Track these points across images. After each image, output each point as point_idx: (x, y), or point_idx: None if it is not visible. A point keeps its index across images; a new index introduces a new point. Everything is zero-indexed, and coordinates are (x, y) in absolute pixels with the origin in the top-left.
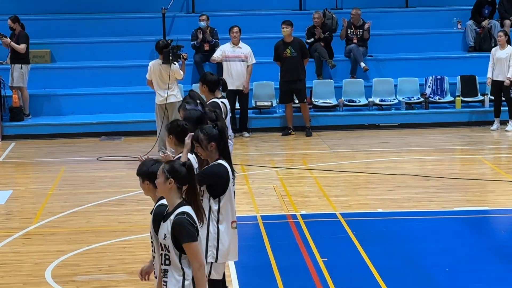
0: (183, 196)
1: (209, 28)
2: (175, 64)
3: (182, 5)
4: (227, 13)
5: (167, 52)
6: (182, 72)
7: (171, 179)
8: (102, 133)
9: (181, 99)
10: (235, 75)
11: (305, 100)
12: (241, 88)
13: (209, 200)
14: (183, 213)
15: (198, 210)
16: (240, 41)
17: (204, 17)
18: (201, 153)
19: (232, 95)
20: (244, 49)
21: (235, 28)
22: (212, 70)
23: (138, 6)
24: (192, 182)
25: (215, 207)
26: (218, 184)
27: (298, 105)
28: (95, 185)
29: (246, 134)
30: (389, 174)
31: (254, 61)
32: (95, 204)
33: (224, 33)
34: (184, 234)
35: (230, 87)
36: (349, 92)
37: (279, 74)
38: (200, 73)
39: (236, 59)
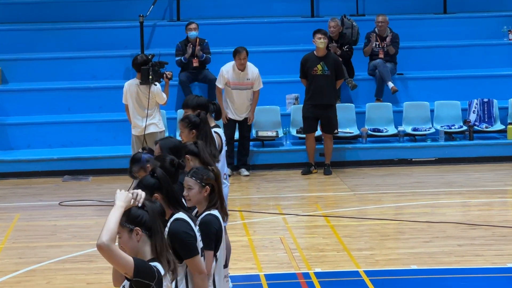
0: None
1: (198, 40)
2: (156, 85)
3: (164, 11)
4: (221, 21)
5: (147, 70)
6: (165, 95)
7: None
8: (65, 171)
9: (163, 129)
10: (238, 104)
11: (336, 131)
12: (241, 119)
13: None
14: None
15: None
16: (248, 63)
17: (193, 25)
18: (190, 197)
19: (232, 124)
20: (251, 74)
21: (243, 53)
22: (202, 92)
23: (109, 13)
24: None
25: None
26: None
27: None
28: (57, 237)
29: (245, 172)
30: (425, 222)
31: (261, 86)
32: (58, 260)
33: (217, 45)
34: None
35: (230, 116)
36: (374, 119)
37: (305, 95)
38: (187, 95)
39: (241, 87)
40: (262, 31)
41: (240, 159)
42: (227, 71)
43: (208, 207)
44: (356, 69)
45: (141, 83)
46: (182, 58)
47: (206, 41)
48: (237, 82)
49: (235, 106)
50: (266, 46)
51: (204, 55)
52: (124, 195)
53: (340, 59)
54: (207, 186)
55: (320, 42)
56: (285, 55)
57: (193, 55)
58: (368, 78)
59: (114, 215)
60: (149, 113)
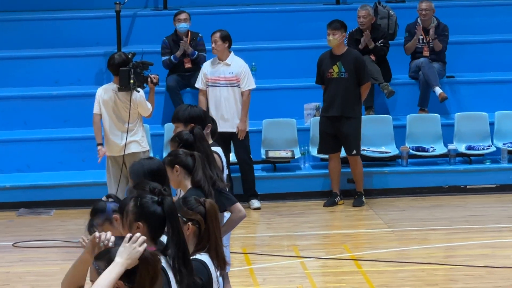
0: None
1: (190, 34)
2: (139, 91)
3: None
4: (220, 9)
5: (127, 73)
6: (150, 105)
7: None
8: (20, 203)
9: (148, 148)
10: (222, 109)
11: (356, 152)
12: (233, 130)
13: None
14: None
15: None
16: (231, 54)
17: (183, 15)
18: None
19: (222, 141)
20: (236, 67)
21: (215, 34)
22: (196, 100)
23: (77, 0)
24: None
25: None
26: None
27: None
28: (11, 287)
29: (256, 204)
30: (484, 267)
31: (252, 86)
32: None
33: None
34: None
35: (220, 128)
36: (418, 135)
37: (322, 105)
38: (177, 105)
39: (220, 83)
40: (272, 23)
41: (246, 187)
42: (207, 64)
43: (195, 250)
44: (394, 70)
45: (119, 89)
46: (171, 58)
47: (200, 35)
48: (215, 77)
49: (218, 111)
50: (277, 42)
51: (196, 52)
52: (129, 250)
53: (373, 57)
54: (190, 224)
55: (328, 39)
56: (302, 53)
57: (184, 53)
58: (410, 82)
59: (111, 275)
60: (130, 127)
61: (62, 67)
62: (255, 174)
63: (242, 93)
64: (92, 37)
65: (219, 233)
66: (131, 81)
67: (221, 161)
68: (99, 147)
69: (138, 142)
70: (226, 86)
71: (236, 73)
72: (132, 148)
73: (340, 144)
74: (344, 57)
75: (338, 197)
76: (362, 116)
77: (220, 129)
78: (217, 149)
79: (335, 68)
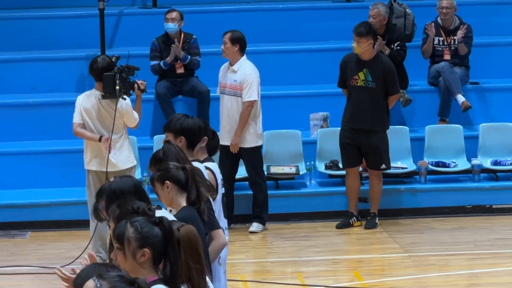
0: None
1: (183, 35)
2: (125, 99)
3: None
4: (216, 7)
5: (112, 78)
6: (136, 115)
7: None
8: None
9: (135, 162)
10: (224, 119)
11: (386, 166)
12: (244, 146)
13: None
14: None
15: None
16: (242, 59)
17: (174, 14)
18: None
19: (225, 155)
20: (241, 75)
21: (225, 35)
22: (189, 110)
23: None
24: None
25: None
26: None
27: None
28: None
29: (257, 226)
30: None
31: (252, 98)
32: None
33: (210, 43)
34: None
35: (222, 141)
36: (438, 148)
37: (344, 113)
38: (169, 116)
39: (226, 91)
40: (274, 22)
41: (253, 208)
42: (222, 67)
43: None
44: (411, 76)
45: (103, 97)
46: (160, 64)
47: (194, 36)
48: (223, 84)
49: (222, 122)
50: (280, 44)
51: (189, 57)
52: None
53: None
54: (145, 249)
55: (353, 46)
56: (308, 56)
57: (176, 57)
58: (429, 89)
59: None
60: (115, 139)
61: (39, 72)
62: (259, 192)
63: (243, 103)
64: (72, 38)
65: (198, 264)
66: (117, 87)
67: (215, 178)
68: (102, 139)
69: (126, 157)
70: (229, 94)
71: (240, 81)
72: (119, 164)
73: (361, 158)
74: (373, 64)
75: (354, 218)
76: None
77: (223, 142)
78: (212, 165)
79: (361, 75)
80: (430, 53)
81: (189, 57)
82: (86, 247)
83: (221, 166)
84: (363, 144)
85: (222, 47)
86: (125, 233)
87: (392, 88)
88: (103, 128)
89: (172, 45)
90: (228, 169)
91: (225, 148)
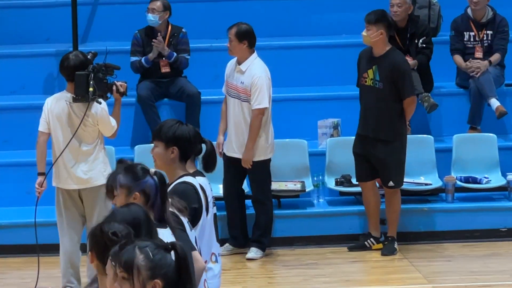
0: None
1: (170, 28)
2: (100, 103)
3: None
4: None
5: (85, 78)
6: (114, 122)
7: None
8: None
9: None
10: (232, 126)
11: (394, 184)
12: (240, 156)
13: None
14: None
15: None
16: (251, 57)
17: (157, 4)
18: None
19: (232, 169)
20: (249, 77)
21: (230, 30)
22: (176, 115)
23: None
24: None
25: None
26: None
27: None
28: None
29: (256, 252)
30: None
31: (263, 106)
32: None
33: (202, 37)
34: None
35: (226, 151)
36: (468, 161)
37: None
38: (152, 122)
39: (231, 93)
40: (277, 14)
41: (253, 231)
42: (229, 63)
43: None
44: (437, 77)
45: (74, 99)
46: (141, 60)
47: (183, 30)
48: (229, 83)
49: (230, 129)
50: (284, 38)
51: (174, 54)
52: None
53: (409, 59)
54: (156, 281)
55: (364, 33)
56: (316, 53)
57: (161, 54)
58: (457, 92)
59: None
60: (88, 150)
61: (1, 70)
62: (248, 211)
63: (252, 111)
64: (40, 32)
65: None
66: (90, 88)
67: (205, 195)
68: (40, 179)
69: (100, 171)
70: (235, 98)
71: (247, 84)
72: (93, 180)
73: (375, 171)
74: (382, 61)
75: (372, 239)
76: None
77: (230, 153)
78: (203, 180)
79: (370, 73)
80: (462, 65)
81: (174, 54)
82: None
83: (224, 178)
84: (370, 155)
85: (228, 44)
86: (134, 260)
87: (404, 90)
88: (75, 137)
89: (154, 40)
90: (235, 183)
91: (231, 160)
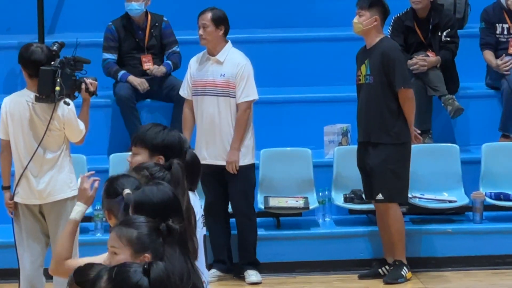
0: None
1: (150, 17)
2: (69, 104)
3: None
4: None
5: (50, 74)
6: (83, 126)
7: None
8: None
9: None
10: (207, 130)
11: (383, 197)
12: (222, 163)
13: None
14: None
15: None
16: (227, 45)
17: None
18: None
19: (213, 180)
20: (228, 64)
21: (204, 15)
22: (160, 118)
23: None
24: None
25: None
26: None
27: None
28: None
29: (253, 277)
30: None
31: (252, 97)
32: None
33: (188, 27)
34: None
35: (202, 160)
36: (499, 175)
37: None
38: (131, 126)
39: (206, 90)
40: (275, 2)
41: (242, 252)
42: (193, 59)
43: None
44: (463, 76)
45: (37, 99)
46: (119, 73)
47: (165, 19)
48: (201, 81)
49: (204, 134)
50: (281, 30)
51: (169, 63)
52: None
53: (431, 55)
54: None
55: (355, 20)
56: (319, 47)
57: (141, 47)
58: (487, 94)
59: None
60: (51, 158)
61: None
62: (256, 231)
63: (237, 106)
64: (0, 21)
65: None
66: (57, 87)
67: (193, 213)
68: (6, 194)
69: (66, 183)
70: (213, 95)
71: (229, 76)
72: (57, 193)
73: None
74: (373, 51)
75: (387, 266)
76: (412, 146)
77: (206, 160)
78: (190, 195)
79: (363, 69)
80: (493, 62)
81: (169, 63)
82: None
83: (204, 194)
84: (367, 165)
85: (200, 32)
86: (96, 285)
87: (395, 80)
88: (37, 143)
89: (137, 81)
90: (216, 198)
91: (209, 168)
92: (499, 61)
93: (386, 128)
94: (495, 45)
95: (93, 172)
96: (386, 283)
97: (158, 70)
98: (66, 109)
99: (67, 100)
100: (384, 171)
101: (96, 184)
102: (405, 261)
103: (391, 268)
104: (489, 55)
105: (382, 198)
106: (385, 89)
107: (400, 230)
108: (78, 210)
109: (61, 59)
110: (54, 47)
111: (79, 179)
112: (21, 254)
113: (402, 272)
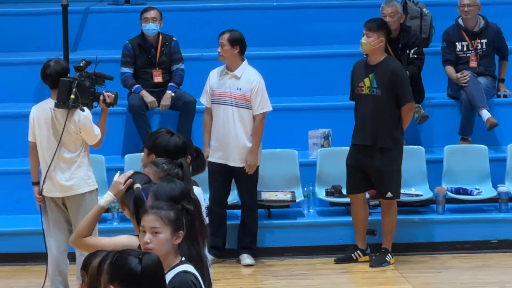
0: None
1: (161, 37)
2: (83, 110)
3: None
4: (200, 4)
5: (67, 85)
6: (98, 131)
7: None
8: None
9: (96, 186)
10: (223, 134)
11: (393, 195)
12: (239, 165)
13: None
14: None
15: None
16: (243, 63)
17: (152, 13)
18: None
19: (223, 177)
20: (247, 82)
21: (223, 36)
22: (170, 123)
23: None
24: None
25: None
26: None
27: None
28: None
29: (248, 260)
30: None
31: (267, 109)
32: None
33: (193, 46)
34: None
35: (213, 158)
36: (458, 172)
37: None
38: (142, 130)
39: (226, 101)
40: (268, 23)
41: (242, 238)
42: (213, 72)
43: None
44: (428, 87)
45: (56, 105)
46: (134, 88)
47: (174, 39)
48: (221, 92)
49: (219, 138)
50: (274, 48)
51: (173, 85)
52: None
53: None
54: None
55: (361, 42)
56: (307, 63)
57: (153, 63)
58: (448, 103)
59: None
60: (72, 158)
61: None
62: (254, 221)
63: (254, 117)
64: (30, 39)
65: None
66: (72, 96)
67: (199, 205)
68: (35, 188)
69: (84, 179)
70: (231, 105)
71: (244, 90)
72: (76, 188)
73: (368, 183)
74: (379, 68)
75: (359, 251)
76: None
77: (220, 160)
78: (197, 190)
79: (367, 82)
80: (454, 76)
81: (174, 85)
82: (43, 284)
83: (212, 187)
84: (366, 166)
85: (219, 49)
86: (101, 266)
87: (402, 96)
88: (56, 146)
89: (150, 101)
90: (222, 191)
91: (218, 167)
92: (459, 75)
93: (391, 134)
94: (455, 61)
95: (132, 171)
96: (372, 266)
97: (166, 105)
98: (82, 116)
99: (83, 107)
100: (391, 172)
101: (128, 182)
102: (390, 249)
103: (378, 254)
104: (450, 69)
105: (392, 195)
106: (391, 101)
107: (395, 223)
108: (106, 199)
109: (81, 72)
110: (81, 64)
111: (116, 174)
112: (48, 240)
113: (386, 258)
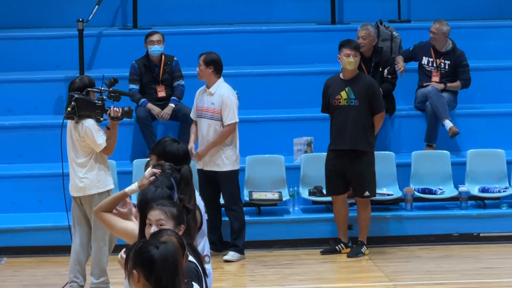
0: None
1: (163, 58)
2: (76, 122)
3: (114, 14)
4: (198, 28)
5: (70, 98)
6: (102, 140)
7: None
8: None
9: (107, 188)
10: (202, 144)
11: (370, 194)
12: (217, 170)
13: None
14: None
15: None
16: (218, 81)
17: (156, 36)
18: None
19: (207, 181)
20: (218, 97)
21: (200, 57)
22: (171, 132)
23: (33, 17)
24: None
25: None
26: None
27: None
28: None
29: (233, 255)
30: None
31: (233, 120)
32: None
33: (192, 65)
34: None
35: (199, 166)
36: (424, 175)
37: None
38: (148, 139)
39: (203, 114)
40: (258, 45)
41: (231, 237)
42: (199, 90)
43: None
44: (398, 100)
45: (64, 116)
46: (141, 101)
47: (175, 59)
48: (201, 107)
49: (201, 147)
50: (264, 67)
51: (175, 99)
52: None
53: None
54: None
55: (349, 61)
56: (292, 80)
57: (157, 80)
58: (415, 114)
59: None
60: (82, 162)
61: (16, 93)
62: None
63: (223, 127)
64: (51, 60)
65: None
66: (68, 108)
67: (199, 209)
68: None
69: (93, 182)
70: (206, 118)
71: (217, 105)
72: (87, 189)
73: (347, 184)
74: (355, 82)
75: (342, 244)
76: None
77: (203, 167)
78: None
79: (343, 94)
80: (404, 61)
81: (176, 99)
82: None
83: (202, 192)
84: (347, 170)
85: (197, 69)
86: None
87: (377, 105)
88: (73, 151)
89: (157, 112)
90: (211, 194)
91: (204, 173)
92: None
93: (367, 139)
94: (407, 58)
95: (159, 171)
96: (349, 256)
97: (167, 113)
98: (84, 126)
99: (97, 117)
100: (368, 173)
101: (151, 179)
102: (365, 242)
103: (354, 246)
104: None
105: (369, 194)
106: (366, 110)
107: (369, 219)
108: (132, 188)
109: (88, 89)
110: (112, 80)
111: (148, 169)
112: (73, 233)
113: (362, 250)
